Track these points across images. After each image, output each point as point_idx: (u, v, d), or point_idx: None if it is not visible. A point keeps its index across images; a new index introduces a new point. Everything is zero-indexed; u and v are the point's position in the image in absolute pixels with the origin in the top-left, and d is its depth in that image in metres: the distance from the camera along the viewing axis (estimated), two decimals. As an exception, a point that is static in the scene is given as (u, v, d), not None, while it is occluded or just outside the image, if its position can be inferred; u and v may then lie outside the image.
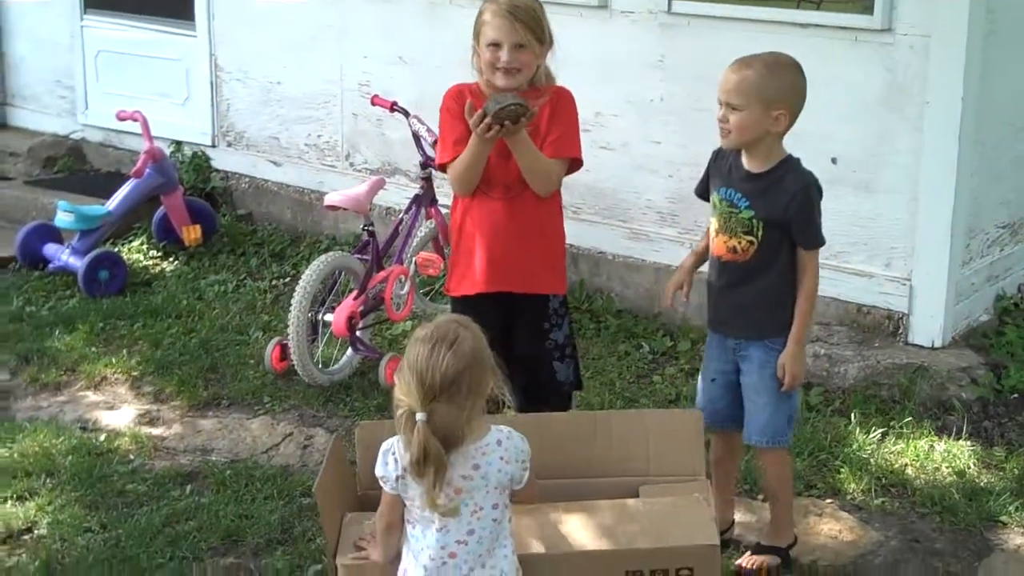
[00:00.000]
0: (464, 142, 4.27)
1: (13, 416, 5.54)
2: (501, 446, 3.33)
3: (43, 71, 9.47)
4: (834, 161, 5.93)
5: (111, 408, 5.63)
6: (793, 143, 5.98)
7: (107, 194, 7.51)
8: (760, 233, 4.06)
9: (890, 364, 5.63)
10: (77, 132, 9.25)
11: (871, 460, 5.05)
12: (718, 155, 4.25)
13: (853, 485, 4.88)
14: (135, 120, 7.40)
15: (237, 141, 8.36)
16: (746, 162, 4.12)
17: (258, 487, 4.84)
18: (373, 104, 6.46)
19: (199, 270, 7.36)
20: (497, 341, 4.15)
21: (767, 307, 4.12)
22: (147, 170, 7.28)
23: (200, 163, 8.38)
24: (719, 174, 4.19)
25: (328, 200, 5.96)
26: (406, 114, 6.26)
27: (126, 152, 8.73)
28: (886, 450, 5.14)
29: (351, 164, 7.78)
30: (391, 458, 3.34)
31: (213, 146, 8.45)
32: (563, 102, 4.39)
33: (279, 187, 8.14)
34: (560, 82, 4.50)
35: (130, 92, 8.59)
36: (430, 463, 3.19)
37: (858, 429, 5.28)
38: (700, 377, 4.42)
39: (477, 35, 4.35)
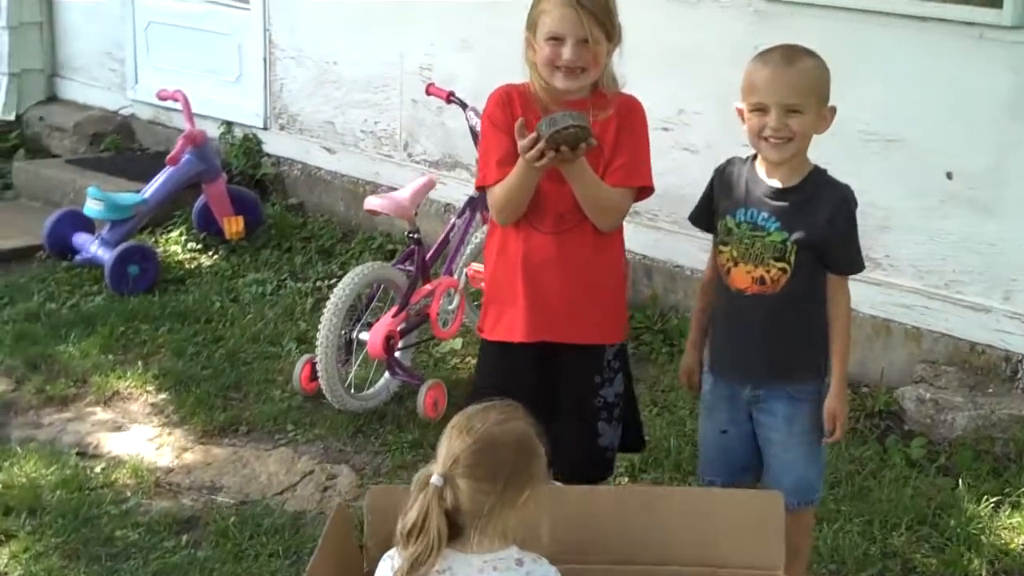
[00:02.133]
0: (511, 162, 3.50)
1: (8, 435, 4.96)
2: (523, 567, 2.64)
3: (93, 41, 8.87)
4: (949, 176, 5.21)
5: (118, 429, 5.03)
6: (902, 155, 5.29)
7: (152, 177, 6.88)
8: (793, 258, 3.38)
9: (1006, 415, 4.88)
10: (126, 108, 8.68)
11: (982, 537, 4.27)
12: (723, 171, 3.55)
13: (960, 568, 4.12)
14: (175, 100, 6.84)
15: (290, 124, 7.73)
16: (768, 175, 3.43)
17: (263, 541, 4.19)
18: (428, 94, 5.80)
19: (239, 267, 6.75)
20: (537, 395, 3.49)
21: (798, 346, 3.47)
22: (185, 155, 6.66)
23: (251, 146, 7.82)
24: (730, 194, 3.49)
25: (368, 204, 5.28)
26: (463, 106, 5.61)
27: (175, 131, 8.04)
28: (1000, 524, 4.37)
29: (409, 155, 7.12)
30: (388, 563, 2.70)
31: (265, 128, 7.84)
32: (632, 116, 3.62)
33: (332, 176, 7.52)
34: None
35: (180, 67, 8.04)
36: (423, 536, 2.57)
37: (967, 495, 4.52)
38: (703, 427, 3.70)
39: (532, 26, 3.58)
